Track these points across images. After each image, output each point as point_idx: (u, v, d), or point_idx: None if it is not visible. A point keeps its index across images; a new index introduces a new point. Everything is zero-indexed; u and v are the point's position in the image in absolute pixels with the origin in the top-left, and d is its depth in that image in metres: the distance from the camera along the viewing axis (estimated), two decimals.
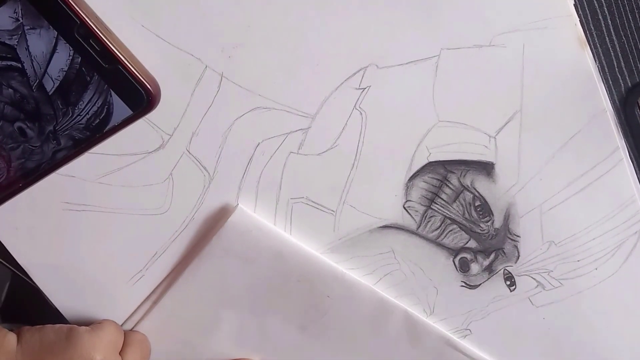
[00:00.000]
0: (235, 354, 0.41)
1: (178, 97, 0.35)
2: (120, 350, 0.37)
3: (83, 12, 0.30)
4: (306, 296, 0.39)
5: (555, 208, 0.39)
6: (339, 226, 0.39)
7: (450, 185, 0.38)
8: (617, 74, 0.38)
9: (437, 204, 0.39)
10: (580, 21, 0.36)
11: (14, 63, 0.31)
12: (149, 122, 0.35)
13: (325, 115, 0.36)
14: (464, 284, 0.41)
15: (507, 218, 0.39)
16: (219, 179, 0.37)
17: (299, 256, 0.38)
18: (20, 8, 0.30)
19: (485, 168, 0.38)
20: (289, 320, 0.40)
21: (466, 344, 0.42)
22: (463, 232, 0.39)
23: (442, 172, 0.38)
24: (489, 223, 0.39)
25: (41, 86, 0.32)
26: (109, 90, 0.32)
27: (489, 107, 0.37)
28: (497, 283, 0.41)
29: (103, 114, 0.33)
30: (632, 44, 0.37)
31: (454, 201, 0.39)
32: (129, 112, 0.33)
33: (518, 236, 0.40)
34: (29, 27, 0.31)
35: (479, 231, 0.40)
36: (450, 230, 0.39)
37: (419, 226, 0.39)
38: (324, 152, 0.37)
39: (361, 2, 0.34)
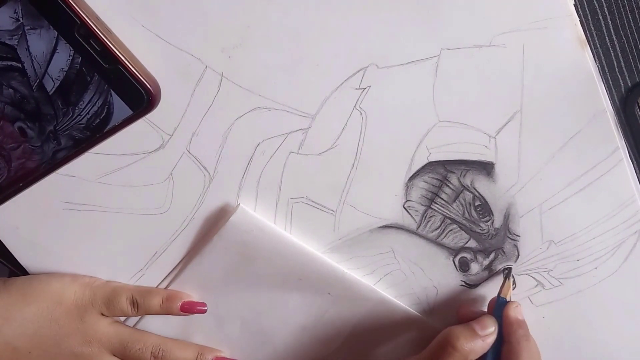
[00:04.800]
0: (237, 353, 0.41)
1: (178, 97, 0.35)
2: None
3: (83, 12, 0.30)
4: (307, 295, 0.39)
5: (555, 208, 0.39)
6: (339, 226, 0.39)
7: (450, 185, 0.38)
8: (617, 74, 0.38)
9: (437, 204, 0.39)
10: (580, 21, 0.36)
11: (14, 63, 0.31)
12: (149, 122, 0.35)
13: (325, 115, 0.36)
14: (463, 284, 0.41)
15: (507, 218, 0.39)
16: (219, 178, 0.37)
17: (299, 256, 0.38)
18: (20, 8, 0.30)
19: (485, 168, 0.38)
20: (289, 319, 0.40)
21: None
22: (463, 231, 0.39)
23: (442, 172, 0.38)
24: (488, 223, 0.39)
25: (41, 86, 0.32)
26: (109, 90, 0.32)
27: (489, 107, 0.37)
28: (497, 282, 0.41)
29: (103, 114, 0.33)
30: (632, 44, 0.37)
31: (454, 201, 0.39)
32: (129, 112, 0.33)
33: (518, 236, 0.40)
34: (29, 27, 0.31)
35: (479, 231, 0.40)
36: (450, 230, 0.39)
37: (419, 226, 0.39)
38: (324, 152, 0.37)
39: (361, 2, 0.34)
